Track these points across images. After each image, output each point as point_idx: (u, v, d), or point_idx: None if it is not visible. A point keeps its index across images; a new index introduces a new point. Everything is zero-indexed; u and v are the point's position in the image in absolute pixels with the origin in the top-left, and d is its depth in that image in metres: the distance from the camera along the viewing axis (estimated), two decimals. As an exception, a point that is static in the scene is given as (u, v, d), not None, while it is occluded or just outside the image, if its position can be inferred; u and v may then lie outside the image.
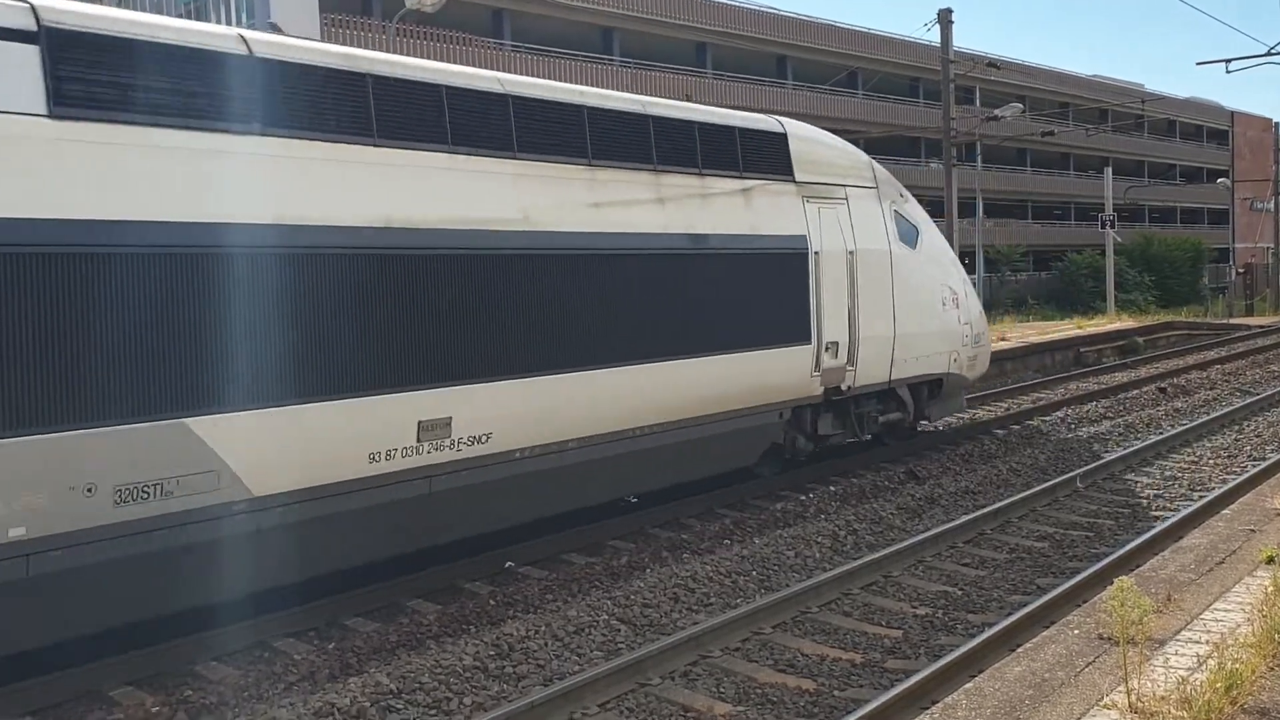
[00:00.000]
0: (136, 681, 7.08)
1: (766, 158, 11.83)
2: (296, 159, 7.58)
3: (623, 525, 10.84)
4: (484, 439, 8.71)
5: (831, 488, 12.59)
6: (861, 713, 6.14)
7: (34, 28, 6.47)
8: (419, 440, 8.22)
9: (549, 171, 9.38)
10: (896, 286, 13.24)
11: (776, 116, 12.73)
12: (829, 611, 8.50)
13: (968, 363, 14.78)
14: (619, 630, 8.03)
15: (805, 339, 11.88)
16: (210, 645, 7.52)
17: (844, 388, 12.58)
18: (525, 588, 9.01)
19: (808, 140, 12.64)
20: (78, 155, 6.49)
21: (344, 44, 28.20)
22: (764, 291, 11.35)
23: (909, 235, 13.77)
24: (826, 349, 12.19)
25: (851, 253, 12.57)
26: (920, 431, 15.30)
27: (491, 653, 7.42)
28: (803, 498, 12.12)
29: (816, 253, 12.07)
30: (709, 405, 10.85)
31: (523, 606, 8.55)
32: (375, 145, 8.10)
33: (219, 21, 37.88)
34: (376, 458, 7.96)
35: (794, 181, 12.10)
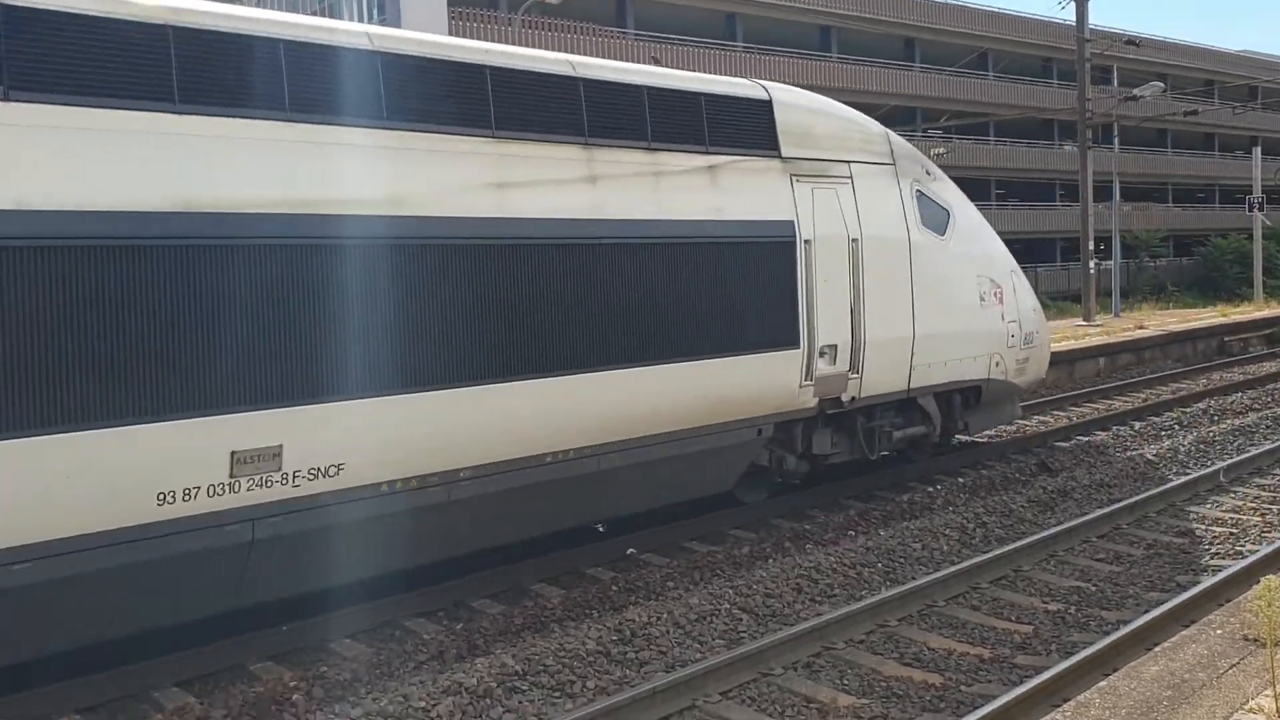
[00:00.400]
0: (275, 657, 7.37)
1: (743, 129, 10.03)
2: None
3: (744, 515, 10.83)
4: (332, 471, 7.08)
5: (960, 479, 12.33)
6: (990, 708, 6.01)
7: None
8: (233, 475, 6.63)
9: (433, 145, 7.72)
10: (917, 279, 11.39)
11: (765, 81, 10.83)
12: (956, 605, 8.34)
13: (1015, 367, 12.81)
14: (740, 619, 8.02)
15: (791, 343, 10.07)
16: (344, 624, 7.78)
17: (846, 399, 10.76)
18: (647, 574, 9.07)
19: (800, 109, 10.71)
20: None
21: (473, 37, 28.72)
22: (734, 287, 9.56)
23: (936, 220, 11.93)
24: (821, 354, 10.38)
25: (855, 240, 10.76)
26: (957, 445, 13.46)
27: (614, 638, 7.49)
28: (930, 489, 11.90)
29: (808, 241, 10.25)
30: (660, 423, 9.10)
31: (644, 593, 8.61)
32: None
33: (350, 19, 38.98)
34: (168, 498, 6.39)
35: (779, 157, 10.26)
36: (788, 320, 10.08)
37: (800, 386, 10.26)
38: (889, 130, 11.98)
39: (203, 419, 6.43)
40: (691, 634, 7.71)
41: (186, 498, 6.45)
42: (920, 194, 11.82)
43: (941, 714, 6.50)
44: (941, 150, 37.78)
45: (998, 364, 12.56)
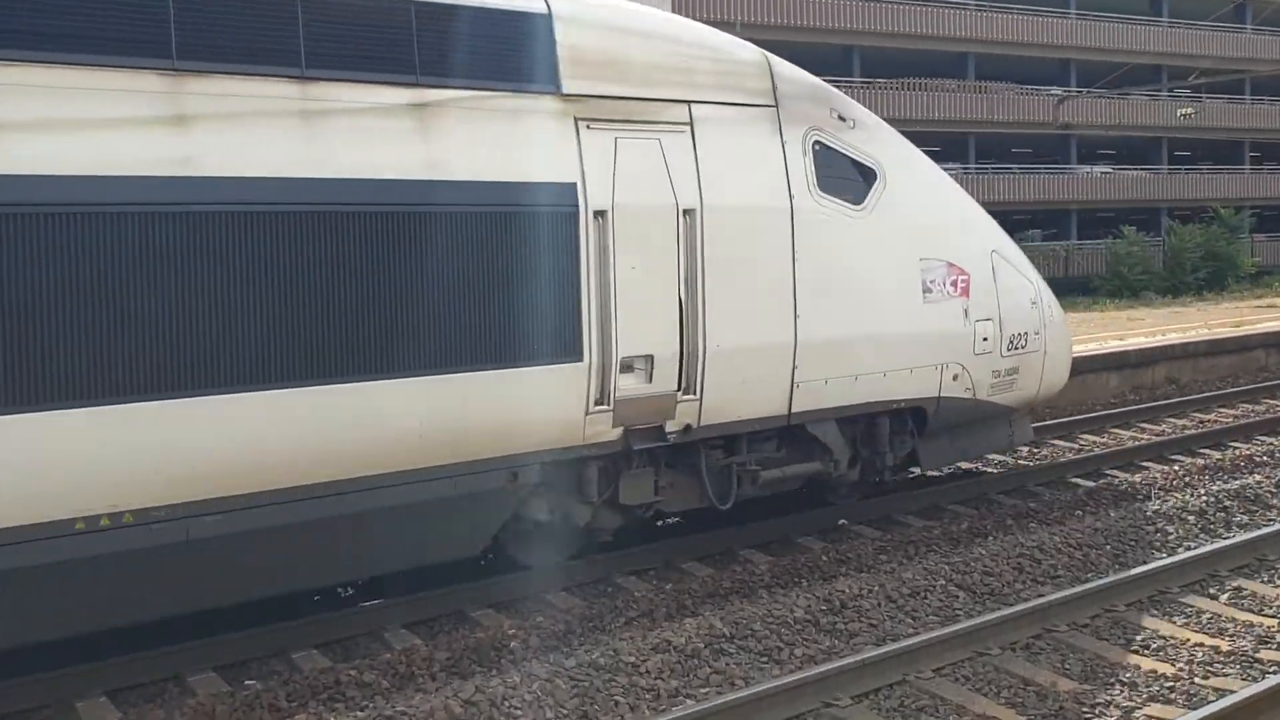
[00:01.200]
0: (495, 605, 7.70)
1: (488, 54, 7.17)
2: None
3: (962, 490, 10.53)
4: None
5: (1199, 460, 11.58)
6: (1227, 703, 5.66)
7: None
8: None
9: None
10: (804, 265, 8.41)
11: None
12: (1192, 593, 7.84)
13: (992, 381, 9.77)
14: (957, 596, 7.81)
15: (567, 353, 7.33)
16: (559, 577, 8.05)
17: (673, 428, 7.92)
18: (859, 546, 8.95)
19: (601, 26, 7.75)
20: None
21: (691, 4, 28.55)
22: (459, 277, 6.91)
23: (849, 183, 8.90)
24: (626, 368, 7.60)
25: (690, 213, 7.84)
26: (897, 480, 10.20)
27: (823, 607, 7.44)
28: (1165, 469, 11.23)
29: (600, 212, 7.43)
30: (335, 468, 6.54)
31: (856, 565, 8.51)
32: None
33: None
34: None
35: (558, 95, 7.38)
36: (564, 321, 7.30)
37: (588, 413, 7.47)
38: (774, 59, 8.74)
39: None
40: (904, 608, 7.57)
41: None
42: (821, 148, 8.76)
43: (1173, 705, 6.15)
44: (1188, 110, 35.30)
45: (956, 378, 9.47)
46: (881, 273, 9.03)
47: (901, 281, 9.17)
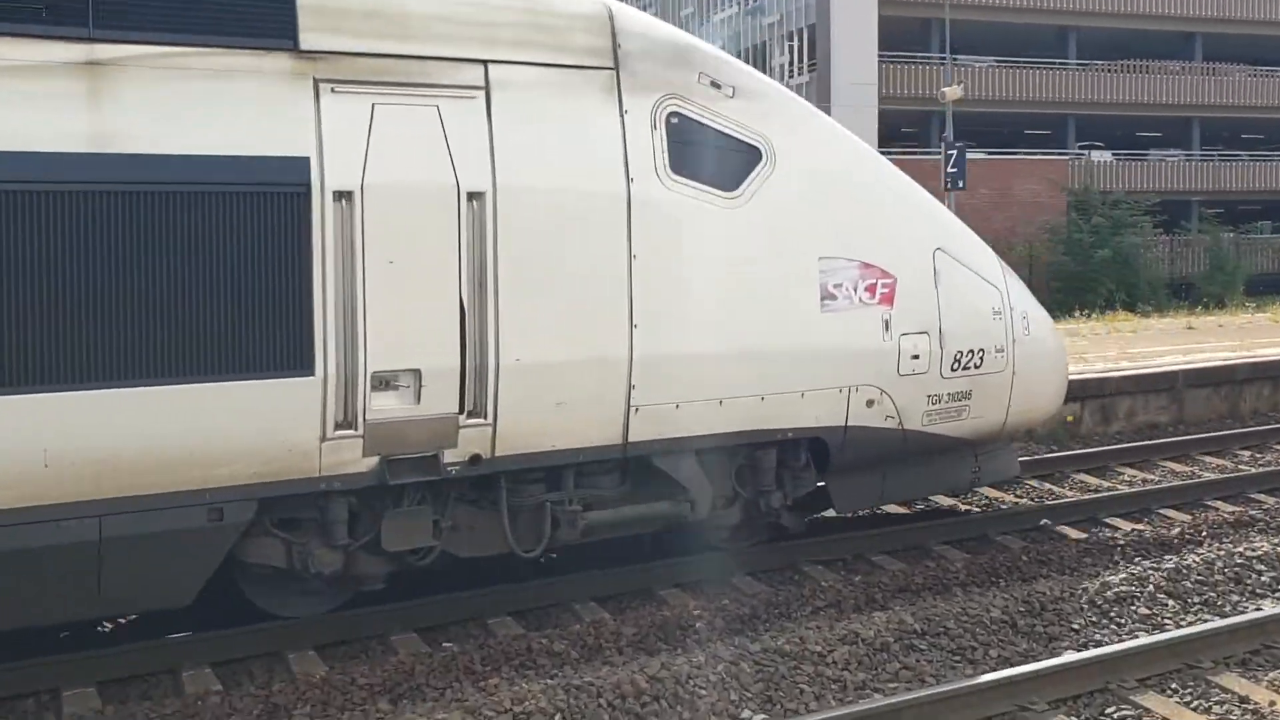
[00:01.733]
0: (681, 585, 7.78)
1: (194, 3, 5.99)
2: None
3: (1174, 495, 9.99)
4: None
5: None
6: None
7: None
8: None
9: None
10: (647, 263, 6.90)
11: None
12: None
13: (927, 409, 8.02)
14: (1165, 605, 7.41)
15: (294, 365, 6.05)
16: (746, 562, 8.06)
17: (450, 459, 6.47)
18: (1061, 548, 8.61)
19: None
20: None
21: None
22: (132, 266, 5.71)
23: (719, 164, 7.27)
24: (380, 384, 6.24)
25: (478, 196, 6.43)
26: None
27: (1021, 609, 7.18)
28: None
29: (345, 193, 6.12)
30: None
31: (1057, 567, 8.19)
32: None
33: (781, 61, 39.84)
34: None
35: (294, 51, 6.11)
36: (282, 327, 6.02)
37: (325, 439, 6.15)
38: (623, 10, 7.16)
39: None
40: (1108, 614, 7.23)
41: None
42: (681, 120, 7.14)
43: None
44: None
45: (871, 404, 7.76)
46: (760, 274, 7.34)
47: (789, 286, 7.45)
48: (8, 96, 5.52)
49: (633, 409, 6.94)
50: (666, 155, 7.05)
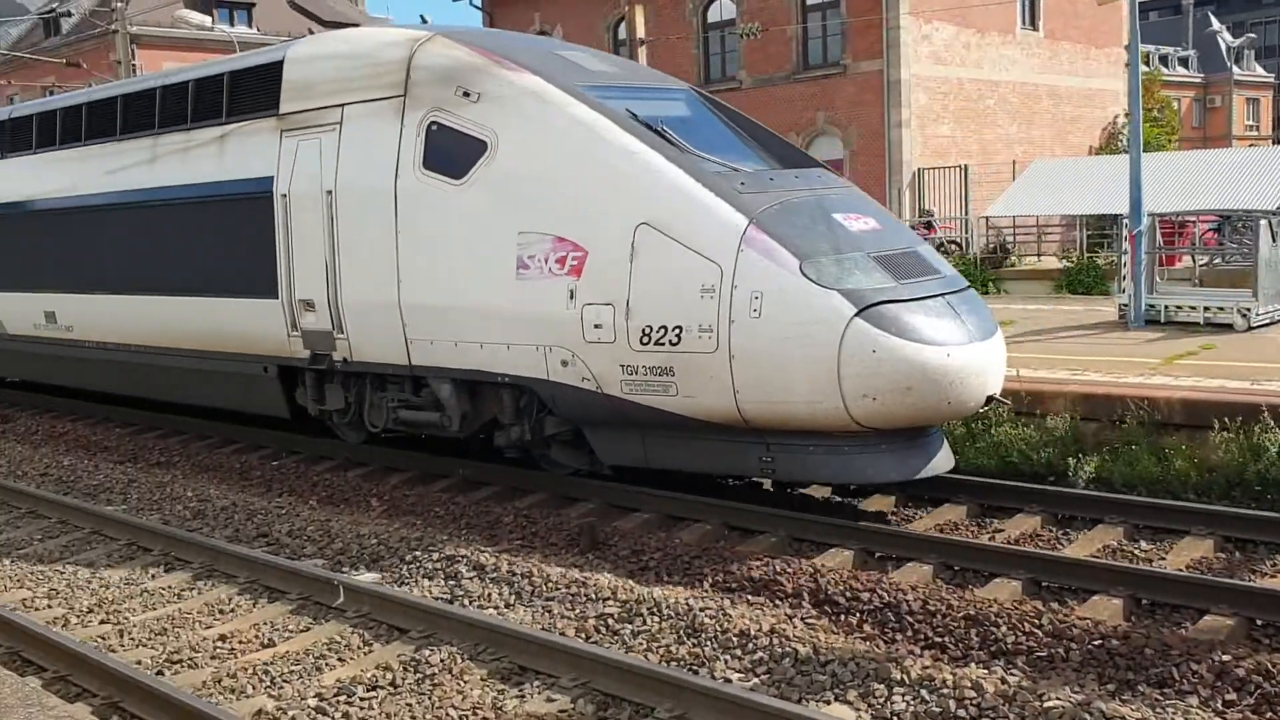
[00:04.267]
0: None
1: (246, 95, 11.30)
2: None
3: None
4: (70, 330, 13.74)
5: None
6: None
7: None
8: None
9: None
10: (405, 236, 9.47)
11: None
12: None
13: (622, 378, 8.32)
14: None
15: (273, 292, 10.99)
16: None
17: (336, 358, 10.46)
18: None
19: (302, 60, 10.73)
20: None
21: None
22: (207, 242, 11.82)
23: (455, 157, 9.08)
24: (302, 307, 10.64)
25: (330, 193, 10.23)
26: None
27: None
28: None
29: (284, 195, 10.67)
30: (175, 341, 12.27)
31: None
32: None
33: None
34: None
35: (277, 114, 10.95)
36: (266, 270, 10.88)
37: (289, 336, 10.85)
38: (428, 50, 9.44)
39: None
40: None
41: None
42: (438, 127, 9.25)
43: None
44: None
45: (565, 364, 8.57)
46: (472, 245, 8.98)
47: (492, 255, 8.83)
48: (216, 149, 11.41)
49: (409, 341, 9.66)
50: (422, 155, 9.34)
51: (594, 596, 6.89)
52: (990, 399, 8.08)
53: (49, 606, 7.58)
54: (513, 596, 7.14)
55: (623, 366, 8.31)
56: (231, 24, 48.01)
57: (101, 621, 7.23)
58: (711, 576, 7.34)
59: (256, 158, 10.76)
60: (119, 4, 31.79)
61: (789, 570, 7.28)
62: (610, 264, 8.27)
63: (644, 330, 8.15)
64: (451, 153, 9.13)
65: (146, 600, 7.60)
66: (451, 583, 7.47)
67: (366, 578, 7.69)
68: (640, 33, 21.48)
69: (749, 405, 7.87)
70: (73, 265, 13.27)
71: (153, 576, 8.11)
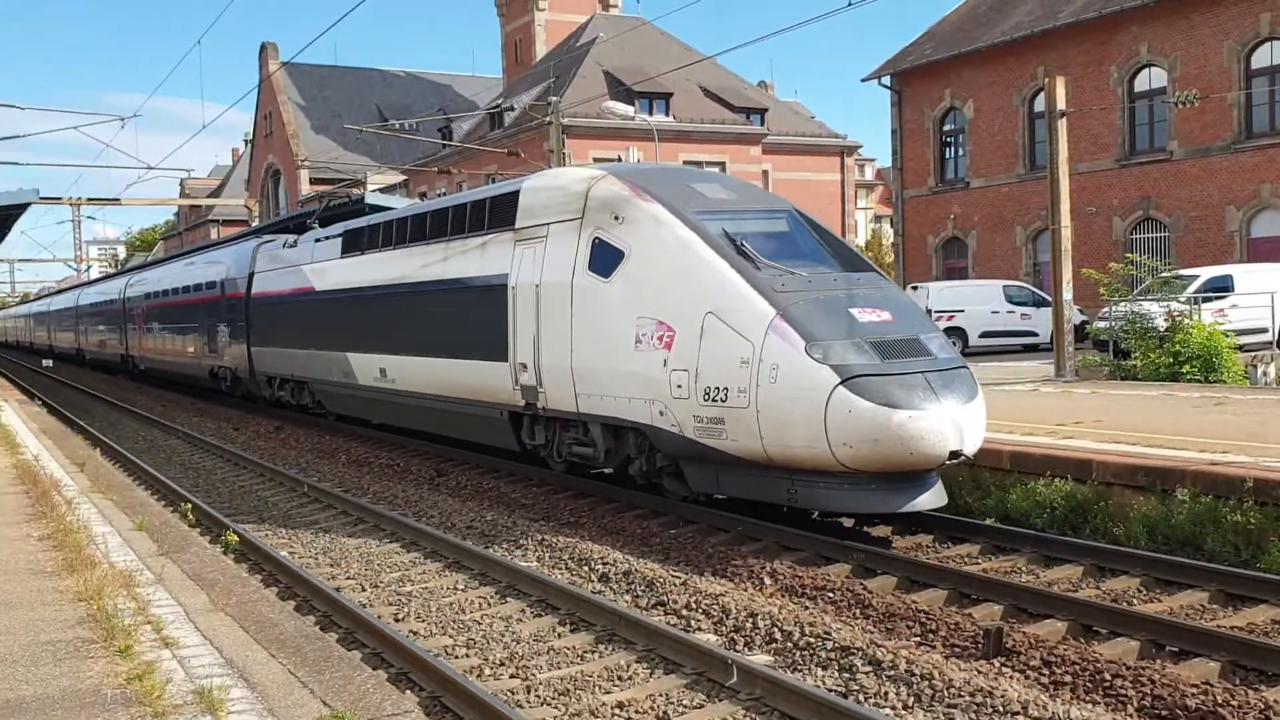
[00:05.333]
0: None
1: (493, 215, 15.32)
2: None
3: None
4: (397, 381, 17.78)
5: None
6: None
7: None
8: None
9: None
10: (577, 318, 12.99)
11: None
12: None
13: (695, 425, 11.15)
14: None
15: (504, 357, 14.50)
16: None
17: (540, 404, 13.86)
18: None
19: (529, 190, 14.65)
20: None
21: None
22: (465, 316, 15.70)
23: (606, 262, 12.49)
24: (517, 369, 14.26)
25: (539, 286, 13.78)
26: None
27: None
28: None
29: (513, 286, 14.40)
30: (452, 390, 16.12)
31: None
32: None
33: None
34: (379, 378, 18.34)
35: (513, 229, 14.70)
36: (500, 341, 14.38)
37: (512, 389, 14.27)
38: (599, 187, 13.01)
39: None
40: None
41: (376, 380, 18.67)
42: (599, 241, 12.62)
43: None
44: None
45: (662, 413, 11.61)
46: (611, 325, 12.24)
47: (622, 332, 12.04)
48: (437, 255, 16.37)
49: (577, 394, 12.89)
50: (587, 260, 12.67)
51: (1001, 709, 6.39)
52: (955, 454, 10.12)
53: (466, 655, 8.12)
54: (911, 698, 6.78)
55: (694, 416, 11.19)
56: (651, 113, 51.15)
57: (511, 675, 7.62)
58: (1137, 700, 6.60)
59: (500, 259, 14.39)
60: (554, 99, 34.95)
61: (1233, 702, 6.40)
62: (688, 340, 11.21)
63: (706, 390, 11.00)
64: (604, 259, 12.43)
65: (552, 658, 7.94)
66: (845, 675, 7.24)
67: (760, 659, 7.62)
68: (1060, 104, 20.49)
69: (770, 448, 10.55)
70: (393, 333, 17.52)
71: (559, 635, 8.50)
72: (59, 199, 43.46)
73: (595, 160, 51.03)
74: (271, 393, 25.01)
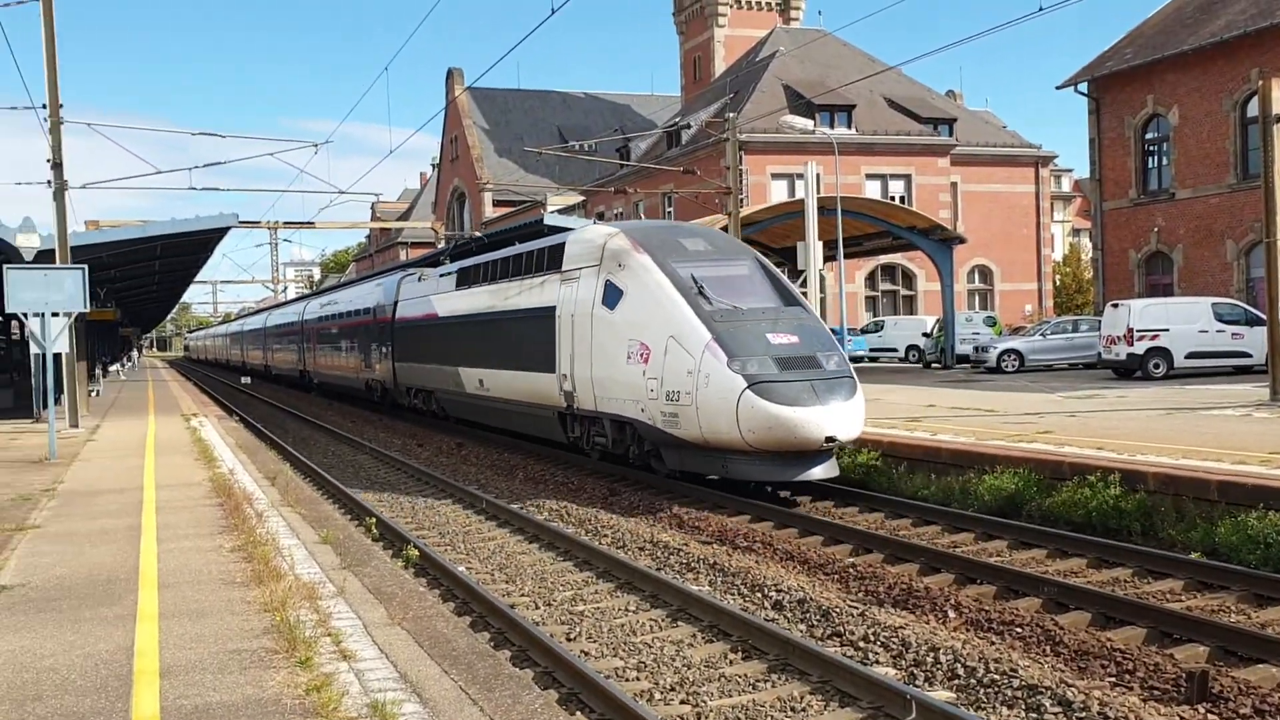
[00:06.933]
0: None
1: (546, 261, 20.30)
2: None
3: None
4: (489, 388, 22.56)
5: None
6: None
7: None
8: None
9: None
10: (596, 338, 17.39)
11: None
12: None
13: (662, 420, 15.67)
14: None
15: (554, 369, 18.87)
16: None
17: (574, 407, 18.40)
18: None
19: (572, 243, 19.39)
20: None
21: None
22: (523, 337, 20.41)
23: (613, 298, 16.95)
24: (563, 378, 18.49)
25: (571, 313, 18.39)
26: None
27: None
28: None
29: (561, 313, 18.88)
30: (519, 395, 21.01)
31: None
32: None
33: None
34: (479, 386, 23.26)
35: (560, 271, 19.39)
36: (550, 355, 18.84)
37: (559, 393, 18.67)
38: (613, 241, 17.43)
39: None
40: None
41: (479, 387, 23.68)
42: (608, 283, 17.08)
43: None
44: None
45: (643, 410, 16.05)
46: (614, 345, 16.76)
47: (621, 351, 16.57)
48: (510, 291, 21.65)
49: (596, 397, 17.48)
50: (601, 296, 17.18)
51: (1206, 760, 5.99)
52: (830, 439, 14.36)
53: (636, 678, 8.14)
54: (1105, 743, 6.43)
55: (661, 412, 15.65)
56: (832, 126, 50.65)
57: (682, 701, 7.60)
58: (1365, 758, 6.08)
59: (552, 294, 19.06)
60: (731, 115, 35.05)
61: None
62: (658, 356, 15.68)
63: (668, 393, 15.47)
64: (611, 295, 16.95)
65: (723, 685, 7.88)
66: (1032, 715, 6.93)
67: (940, 695, 7.37)
68: (1277, 108, 19.27)
69: (706, 434, 14.99)
70: (486, 351, 22.47)
71: (731, 662, 8.44)
72: (257, 222, 46.11)
73: (772, 176, 50.87)
74: (409, 400, 30.23)
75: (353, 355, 36.46)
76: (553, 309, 18.72)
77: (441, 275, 27.38)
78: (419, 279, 29.80)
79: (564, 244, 19.11)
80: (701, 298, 15.50)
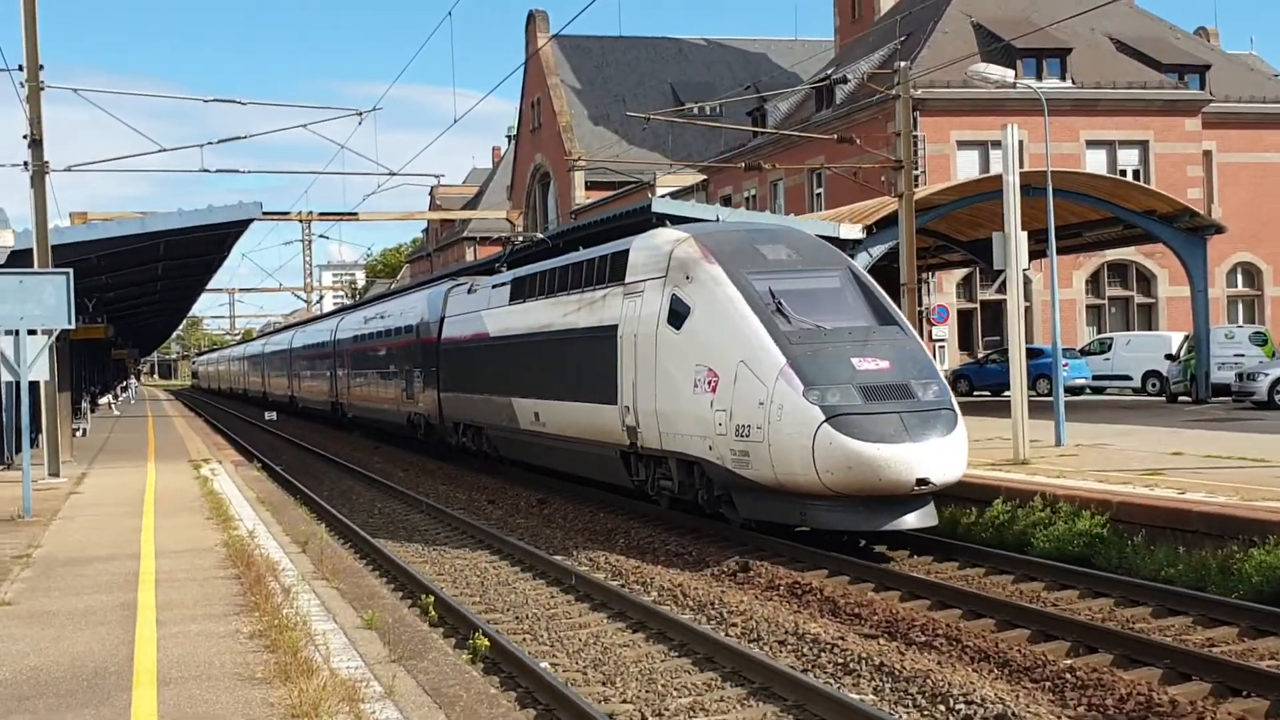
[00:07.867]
0: None
1: (609, 271, 21.76)
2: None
3: None
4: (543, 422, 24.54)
5: None
6: None
7: None
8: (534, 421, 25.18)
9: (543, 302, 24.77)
10: (660, 361, 19.01)
11: None
12: None
13: (731, 457, 17.03)
14: None
15: (615, 400, 20.56)
16: None
17: (638, 444, 20.07)
18: None
19: (636, 249, 21.02)
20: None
21: None
22: (584, 361, 22.14)
23: (679, 316, 18.52)
24: (625, 410, 20.07)
25: (633, 335, 20.03)
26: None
27: None
28: None
29: (623, 333, 20.50)
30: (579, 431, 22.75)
31: None
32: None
33: None
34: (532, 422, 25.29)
35: (623, 283, 20.81)
36: (611, 385, 20.52)
37: (621, 429, 20.33)
38: (679, 250, 19.04)
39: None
40: None
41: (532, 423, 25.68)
42: (674, 298, 18.60)
43: None
44: None
45: (711, 448, 17.39)
46: (679, 372, 18.17)
47: (686, 378, 17.93)
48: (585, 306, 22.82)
49: (661, 433, 18.92)
50: (666, 314, 18.60)
51: None
52: (922, 481, 15.57)
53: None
54: None
55: (730, 450, 16.88)
56: (1039, 77, 49.95)
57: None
58: None
59: (614, 310, 20.36)
60: (902, 64, 34.68)
61: None
62: (726, 384, 16.97)
63: (737, 427, 16.71)
64: (677, 313, 18.35)
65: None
66: None
67: None
68: None
69: (779, 475, 16.18)
70: (542, 378, 23.85)
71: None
72: (285, 214, 46.08)
73: (959, 145, 50.39)
74: (456, 439, 31.30)
75: (392, 384, 37.21)
76: (614, 328, 20.23)
77: (494, 286, 28.28)
78: (469, 290, 30.59)
79: (628, 251, 20.58)
80: (779, 315, 16.92)
